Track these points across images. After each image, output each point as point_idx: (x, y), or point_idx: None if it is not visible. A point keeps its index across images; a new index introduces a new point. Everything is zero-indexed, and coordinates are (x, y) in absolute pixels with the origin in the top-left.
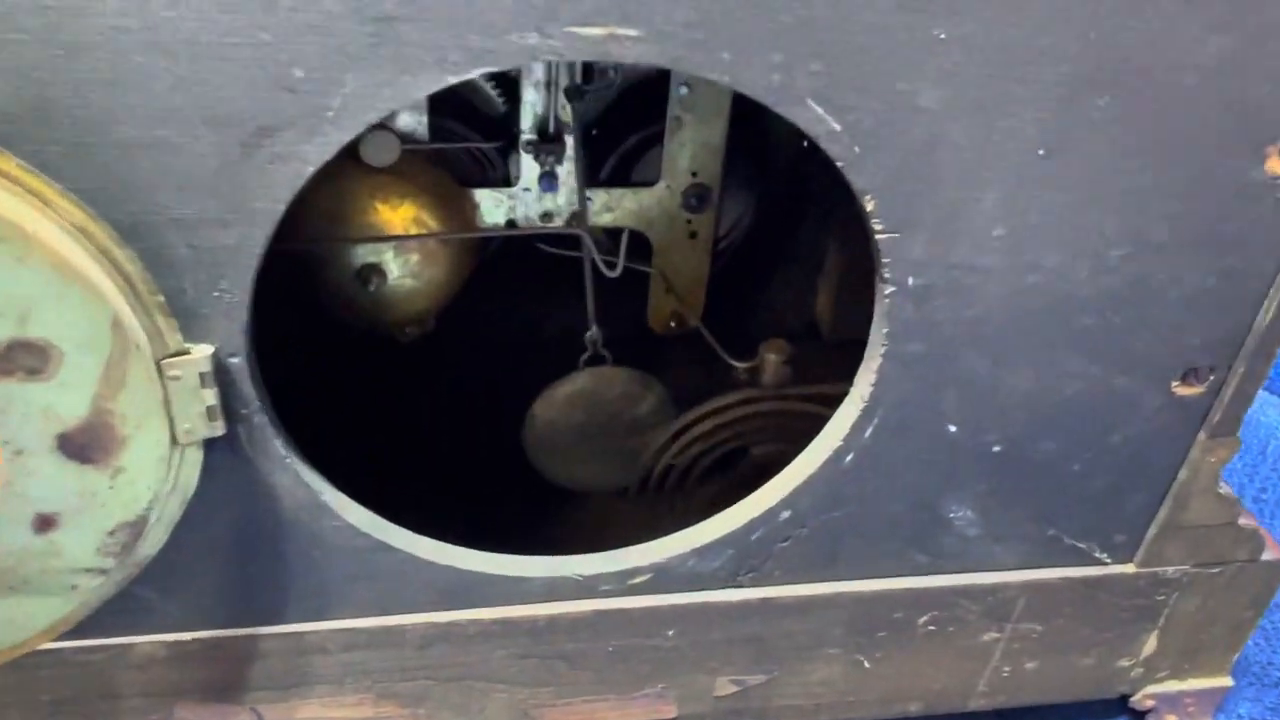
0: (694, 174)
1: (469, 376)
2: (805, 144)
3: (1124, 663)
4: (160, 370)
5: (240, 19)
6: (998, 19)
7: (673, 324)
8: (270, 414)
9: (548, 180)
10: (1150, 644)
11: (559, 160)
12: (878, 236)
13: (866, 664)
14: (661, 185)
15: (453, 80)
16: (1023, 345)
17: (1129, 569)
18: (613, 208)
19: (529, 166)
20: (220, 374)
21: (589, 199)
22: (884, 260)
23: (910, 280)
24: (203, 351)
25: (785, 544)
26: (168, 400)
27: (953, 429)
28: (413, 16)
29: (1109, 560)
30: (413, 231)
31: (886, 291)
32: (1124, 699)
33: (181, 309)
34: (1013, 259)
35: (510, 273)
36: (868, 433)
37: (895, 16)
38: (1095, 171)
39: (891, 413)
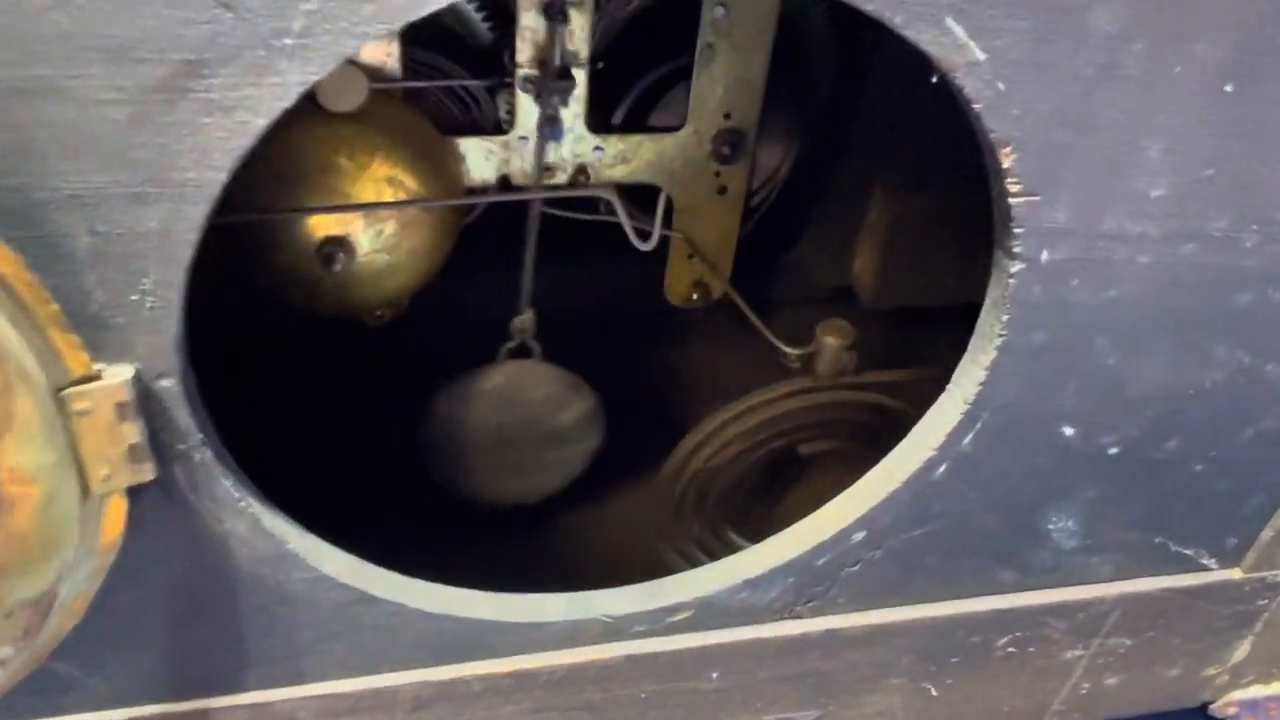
0: (727, 116)
1: (450, 367)
2: (851, 75)
3: (1211, 671)
4: (61, 404)
5: None
6: None
7: (694, 295)
8: (217, 446)
9: (550, 126)
10: (1241, 650)
11: (564, 101)
12: (1011, 200)
13: (933, 691)
14: (687, 130)
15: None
16: (1165, 329)
17: (1235, 574)
18: (628, 158)
19: (527, 109)
20: (147, 402)
21: (599, 149)
22: (1014, 230)
23: (1044, 255)
24: (120, 375)
25: (855, 568)
26: (75, 443)
27: (1068, 431)
28: None
29: (1215, 566)
30: (386, 194)
31: (1013, 269)
32: (1203, 705)
33: (87, 320)
34: (1172, 225)
35: (502, 236)
36: (967, 439)
37: None
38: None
39: (998, 415)
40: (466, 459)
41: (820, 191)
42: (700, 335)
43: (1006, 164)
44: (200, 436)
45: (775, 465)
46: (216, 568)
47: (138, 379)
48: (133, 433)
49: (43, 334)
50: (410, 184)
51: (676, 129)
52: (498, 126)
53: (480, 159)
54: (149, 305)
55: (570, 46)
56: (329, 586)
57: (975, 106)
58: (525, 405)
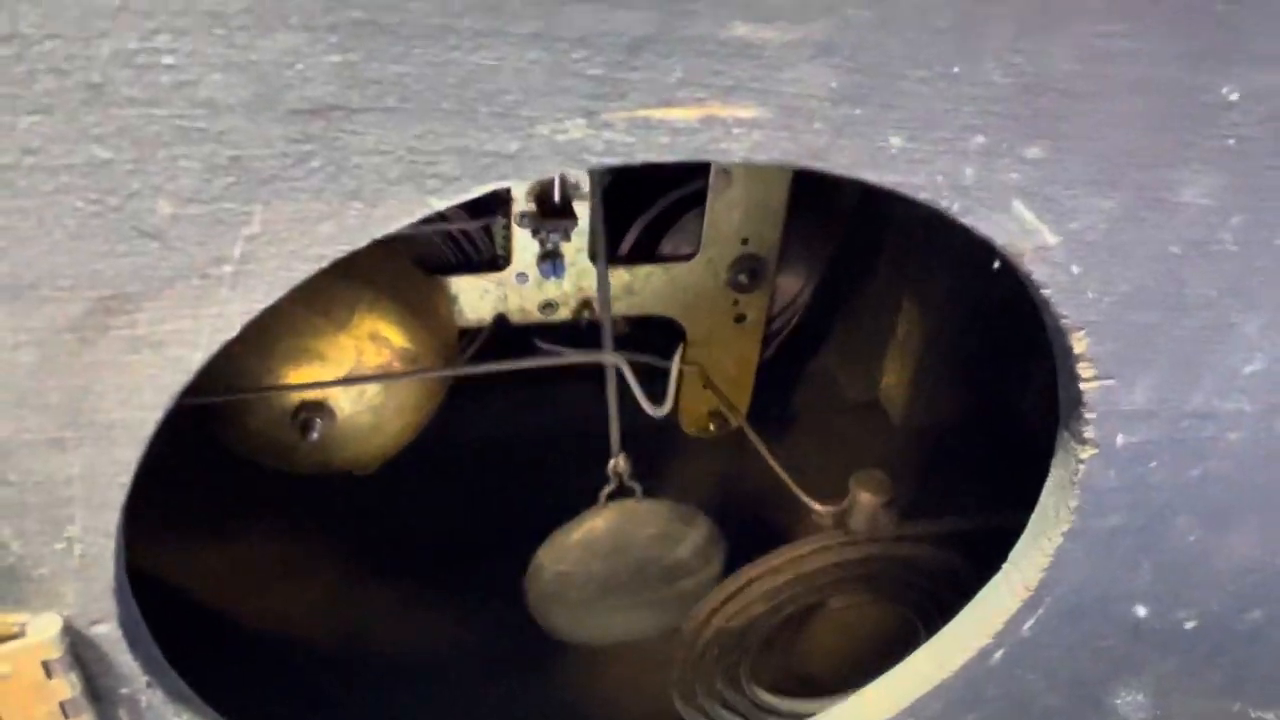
0: (744, 242)
1: (454, 507)
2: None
3: None
4: None
5: (59, 123)
6: None
7: (711, 426)
8: (169, 681)
9: (550, 262)
10: None
11: (565, 235)
12: (1083, 385)
13: None
14: (701, 259)
15: (439, 205)
16: (1252, 504)
17: None
18: (635, 290)
19: (524, 244)
20: (81, 650)
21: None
22: (1085, 415)
23: (1120, 439)
24: (46, 630)
25: None
26: None
27: (1141, 611)
28: (366, 106)
29: None
30: (369, 351)
31: (1083, 455)
32: None
33: (3, 572)
34: (1265, 400)
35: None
36: (1027, 625)
37: (1173, 70)
38: None
39: (1064, 600)
40: (574, 609)
41: (847, 301)
42: (712, 461)
43: (1079, 349)
44: (146, 679)
45: (801, 618)
46: None
47: (67, 629)
48: (64, 688)
49: None
50: (396, 339)
51: (689, 257)
52: (493, 263)
53: (475, 298)
54: (78, 553)
55: (570, 178)
56: None
57: (1045, 292)
58: (634, 547)
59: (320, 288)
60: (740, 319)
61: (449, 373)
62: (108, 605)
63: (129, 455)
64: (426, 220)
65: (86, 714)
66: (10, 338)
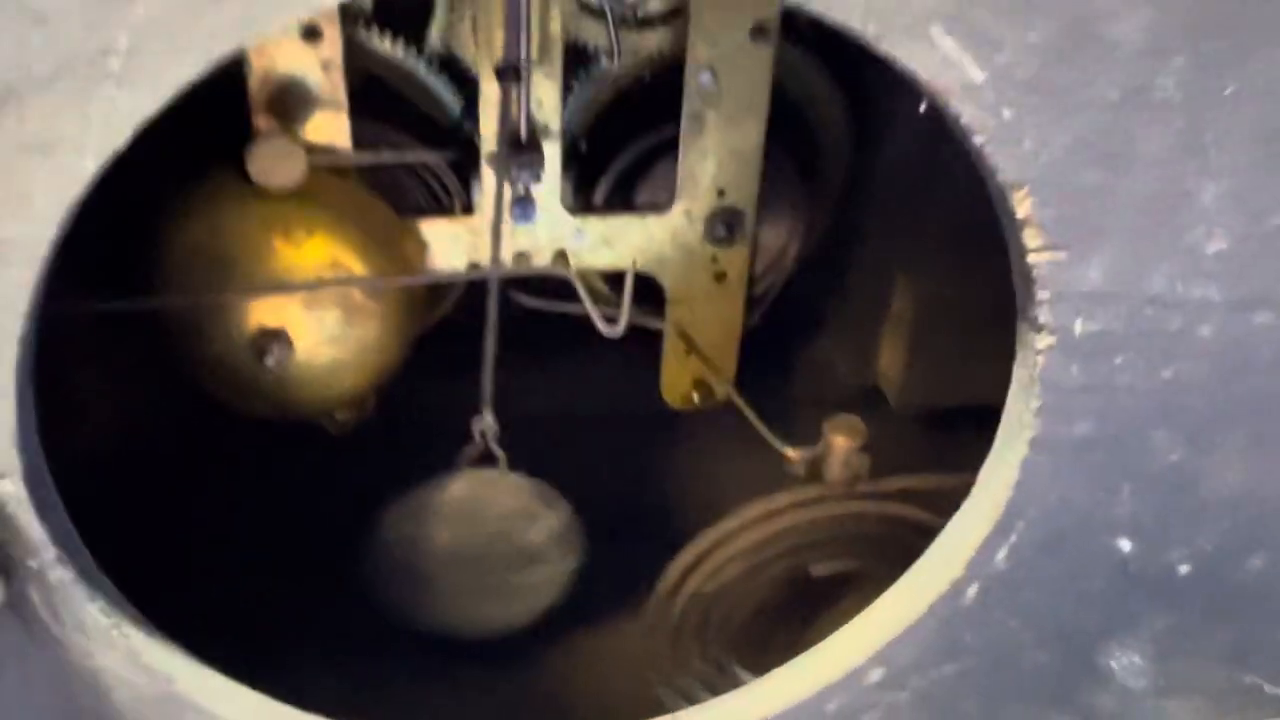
0: (721, 193)
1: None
2: (858, 144)
3: None
4: None
5: None
6: None
7: (695, 396)
8: (81, 559)
9: (521, 206)
10: None
11: (535, 177)
12: (1031, 258)
13: None
14: (677, 210)
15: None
16: (1238, 420)
17: None
18: (612, 242)
19: (492, 186)
20: None
21: (580, 232)
22: (1038, 295)
23: (1079, 325)
24: None
25: (872, 714)
26: None
27: (1125, 545)
28: None
29: None
30: (329, 277)
31: (1040, 344)
32: None
33: None
34: (1235, 288)
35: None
36: (1000, 555)
37: None
38: None
39: (1037, 526)
40: (420, 585)
41: (838, 277)
42: (705, 441)
43: (1022, 212)
44: (56, 551)
45: (795, 588)
46: (94, 712)
47: None
48: None
49: None
50: (357, 268)
51: (665, 208)
52: (468, 209)
53: (446, 245)
54: None
55: (539, 118)
56: None
57: (977, 139)
58: (488, 521)
59: (280, 212)
60: (721, 276)
61: (405, 281)
62: (10, 458)
63: (25, 276)
64: (395, 152)
65: None
66: None
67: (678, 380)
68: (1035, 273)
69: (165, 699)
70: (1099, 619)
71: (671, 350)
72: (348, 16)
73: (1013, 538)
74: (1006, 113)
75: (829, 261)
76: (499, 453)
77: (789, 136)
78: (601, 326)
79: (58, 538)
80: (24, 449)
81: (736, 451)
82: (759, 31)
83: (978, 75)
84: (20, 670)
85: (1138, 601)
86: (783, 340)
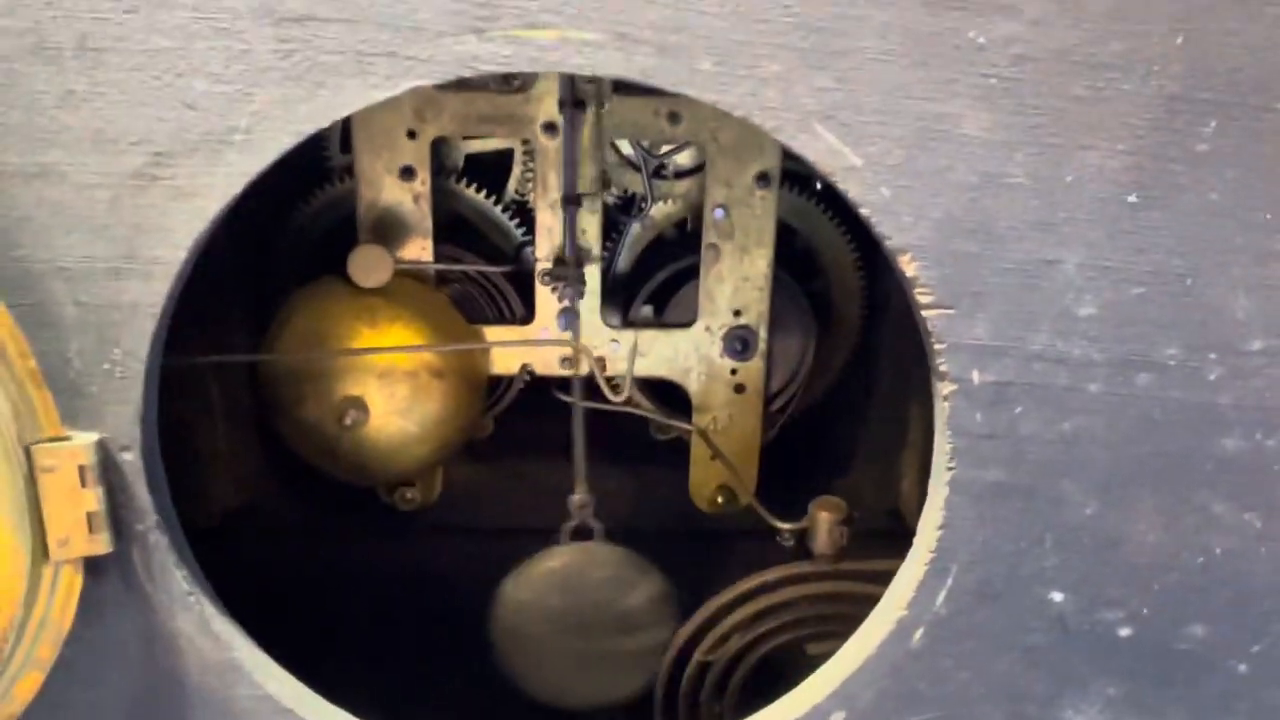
0: (737, 313)
1: (473, 557)
2: (871, 284)
3: None
4: (28, 456)
5: (135, 19)
6: (1058, 15)
7: (720, 499)
8: (175, 535)
9: (566, 317)
10: None
11: (579, 293)
12: (925, 313)
13: None
14: (699, 327)
15: (378, 96)
16: (1144, 478)
17: None
18: (644, 352)
19: (545, 301)
20: (109, 472)
21: (616, 343)
22: (936, 346)
23: (976, 375)
24: (86, 440)
25: None
26: (36, 497)
27: (1057, 597)
28: (329, 16)
29: None
30: (402, 360)
31: (944, 391)
32: None
33: (65, 385)
34: (1113, 349)
35: (535, 432)
36: (940, 598)
37: (921, 15)
38: (1209, 226)
39: (970, 570)
40: (533, 646)
41: (859, 408)
42: (738, 544)
43: (910, 272)
44: (157, 518)
45: (794, 665)
46: (167, 672)
47: (101, 446)
48: (92, 499)
49: (21, 388)
50: (429, 358)
51: (689, 325)
52: (526, 321)
53: (504, 350)
54: (118, 375)
55: (582, 243)
56: (273, 709)
57: (864, 212)
58: (590, 588)
59: (370, 305)
60: (740, 389)
61: (453, 348)
62: (134, 433)
63: (163, 289)
64: (466, 265)
65: (106, 534)
66: (95, 179)
67: (704, 484)
68: (930, 325)
69: (225, 667)
70: (1048, 679)
71: (697, 456)
72: (443, 169)
73: (949, 581)
74: (885, 191)
75: (850, 393)
76: (595, 525)
77: (801, 273)
78: (607, 393)
79: (160, 508)
80: (145, 428)
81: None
82: (763, 178)
83: (856, 160)
84: (116, 620)
85: (1082, 662)
86: (810, 464)
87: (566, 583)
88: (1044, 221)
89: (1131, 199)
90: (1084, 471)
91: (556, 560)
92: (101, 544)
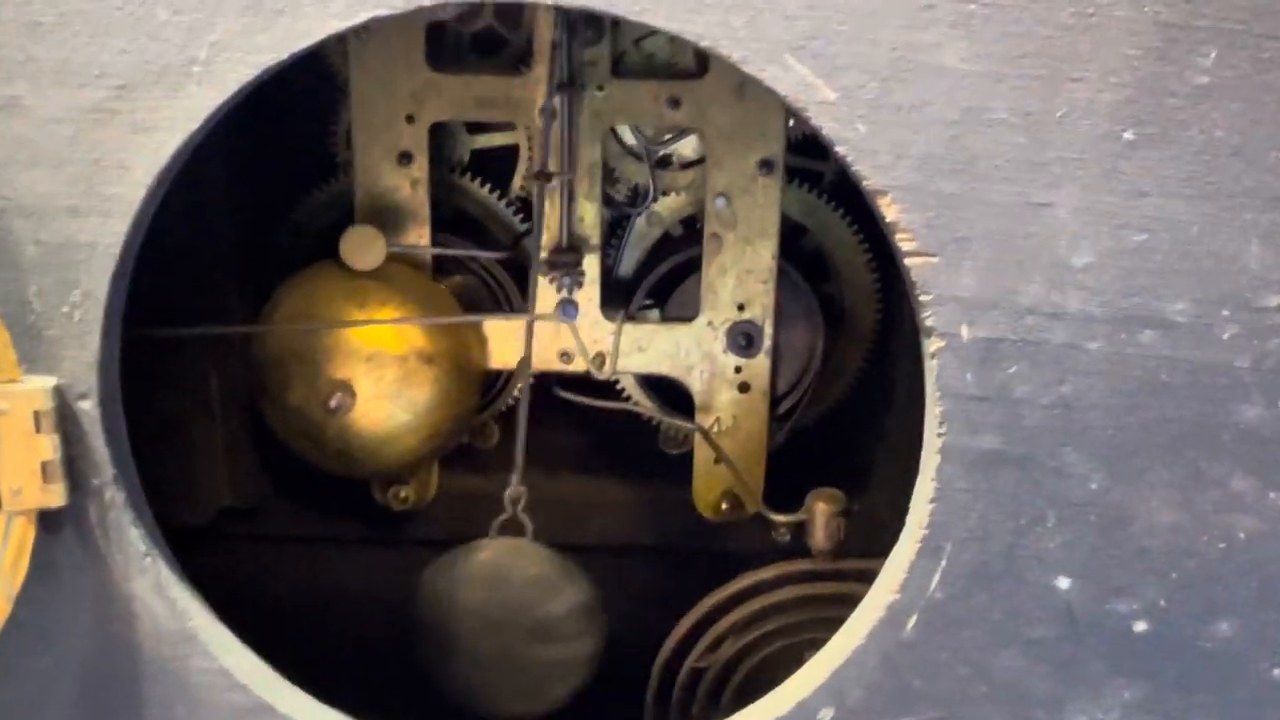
0: (740, 307)
1: None
2: (877, 274)
3: None
4: None
5: None
6: None
7: (724, 505)
8: (133, 490)
9: (564, 307)
10: None
11: (577, 282)
12: (908, 260)
13: None
14: (701, 321)
15: (337, 26)
16: (1154, 448)
17: None
18: (644, 348)
19: (545, 291)
20: (65, 421)
21: (614, 336)
22: (920, 298)
23: (965, 330)
24: (42, 384)
25: None
26: None
27: (1063, 583)
28: None
29: None
30: (390, 343)
31: (932, 348)
32: None
33: (24, 328)
34: (1115, 303)
35: (541, 443)
36: (934, 580)
37: None
38: (1214, 166)
39: (966, 549)
40: (449, 645)
41: (876, 418)
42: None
43: (891, 216)
44: (114, 471)
45: (784, 674)
46: (121, 639)
47: (58, 392)
48: (47, 447)
49: None
50: (420, 341)
51: (691, 319)
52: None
53: (502, 342)
54: (77, 319)
55: (580, 231)
56: (228, 685)
57: (839, 150)
58: (513, 587)
59: (361, 287)
60: (744, 388)
61: (437, 321)
62: (92, 381)
63: (120, 228)
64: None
65: (60, 485)
66: (58, 113)
67: (708, 489)
68: (913, 275)
69: (181, 637)
70: (1055, 678)
71: (701, 459)
72: (448, 163)
73: (943, 562)
74: (861, 127)
75: (867, 402)
76: (527, 522)
77: (813, 274)
78: (594, 371)
79: (118, 461)
80: (104, 375)
81: None
82: (766, 164)
83: (830, 94)
84: (70, 580)
85: (1092, 659)
86: (822, 483)
87: (491, 578)
88: (1032, 160)
89: (1128, 136)
90: (1086, 440)
91: (483, 553)
92: (56, 495)
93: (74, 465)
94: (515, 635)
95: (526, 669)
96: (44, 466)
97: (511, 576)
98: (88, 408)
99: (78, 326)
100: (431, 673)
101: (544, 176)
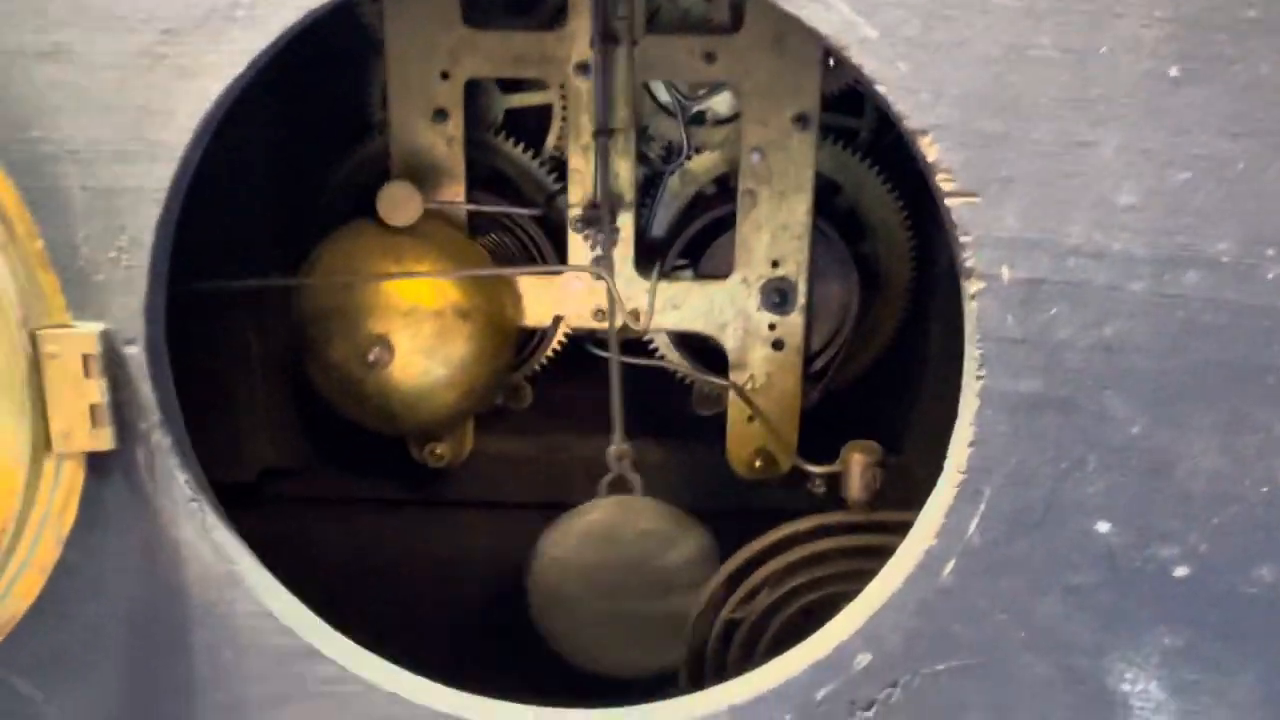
0: (774, 264)
1: (507, 532)
2: (912, 232)
3: None
4: (33, 341)
5: None
6: None
7: (758, 463)
8: (179, 434)
9: (599, 265)
10: None
11: (612, 240)
12: (949, 201)
13: None
14: (735, 279)
15: None
16: (1199, 391)
17: None
18: (678, 305)
19: (578, 248)
20: (113, 366)
21: (651, 294)
22: (961, 239)
23: (1006, 271)
24: (91, 328)
25: (869, 713)
26: (40, 384)
27: (1103, 528)
28: None
29: None
30: (427, 298)
31: (972, 290)
32: None
33: (72, 274)
34: (1159, 243)
35: (574, 403)
36: (973, 525)
37: None
38: (1261, 103)
39: (1005, 495)
40: (570, 607)
41: (911, 379)
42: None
43: (931, 156)
44: (160, 416)
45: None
46: (168, 582)
47: (106, 337)
48: (95, 391)
49: (28, 269)
50: (455, 297)
51: (725, 276)
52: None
53: (536, 299)
54: (124, 264)
55: (615, 189)
56: (274, 629)
57: (879, 89)
58: (628, 543)
59: (397, 243)
60: (778, 345)
61: (469, 273)
62: (139, 326)
63: (166, 173)
64: (501, 218)
65: (109, 429)
66: (105, 58)
67: (741, 447)
68: (955, 216)
69: (226, 580)
70: (1096, 625)
71: (735, 417)
72: (483, 123)
73: (981, 506)
74: (902, 66)
75: (902, 363)
76: (634, 478)
77: (847, 233)
78: (629, 320)
79: (164, 406)
80: (151, 321)
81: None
82: (801, 119)
83: (871, 33)
84: (118, 524)
85: (1134, 606)
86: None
87: (604, 537)
88: (1076, 98)
89: (1173, 73)
90: (1128, 383)
91: (594, 514)
92: (104, 439)
93: (121, 410)
94: (635, 591)
95: (649, 625)
96: (92, 410)
97: (626, 533)
98: (134, 352)
99: (124, 272)
100: (553, 638)
101: (606, 134)
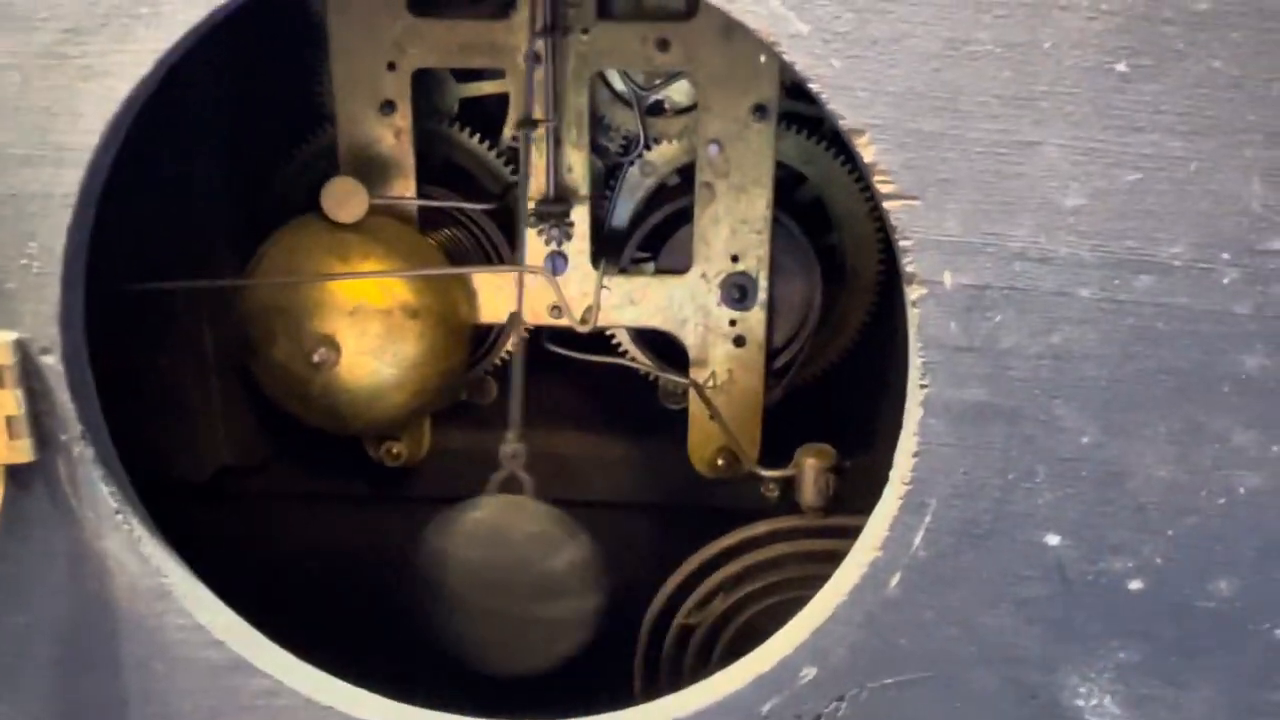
0: (734, 259)
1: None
2: (879, 223)
3: None
4: None
5: None
6: None
7: (720, 462)
8: (103, 446)
9: (553, 260)
10: None
11: (566, 234)
12: (887, 204)
13: None
14: (694, 274)
15: None
16: (1150, 400)
17: None
18: (636, 300)
19: (533, 243)
20: (29, 377)
21: (605, 289)
22: (902, 243)
23: (948, 277)
24: (2, 339)
25: None
26: None
27: (1053, 540)
28: None
29: None
30: (374, 297)
31: (914, 296)
32: None
33: None
34: (1108, 247)
35: (540, 398)
36: (918, 537)
37: None
38: (1213, 101)
39: (952, 504)
40: (450, 604)
41: (879, 375)
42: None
43: (869, 157)
44: (81, 428)
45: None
46: (96, 596)
47: (20, 346)
48: (11, 402)
49: None
50: (404, 294)
51: (683, 271)
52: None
53: (491, 296)
54: (34, 270)
55: (569, 182)
56: (205, 643)
57: (813, 87)
58: (513, 545)
59: (343, 240)
60: (739, 341)
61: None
62: (53, 334)
63: (74, 177)
64: (453, 213)
65: (27, 440)
66: (6, 59)
67: (703, 445)
68: (894, 219)
69: (156, 594)
70: (1048, 638)
71: (696, 415)
72: (435, 114)
73: (927, 518)
74: (835, 63)
75: (870, 359)
76: (525, 479)
77: (812, 225)
78: (574, 324)
79: (85, 417)
80: (66, 329)
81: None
82: (759, 109)
83: (802, 27)
84: (43, 536)
85: (1085, 621)
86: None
87: (490, 536)
88: (1019, 96)
89: (1120, 68)
90: (1078, 392)
91: (482, 511)
92: (23, 451)
93: (40, 421)
94: (516, 593)
95: (529, 626)
96: (9, 421)
97: (511, 534)
98: (51, 362)
99: (36, 279)
100: (432, 631)
101: (529, 124)
